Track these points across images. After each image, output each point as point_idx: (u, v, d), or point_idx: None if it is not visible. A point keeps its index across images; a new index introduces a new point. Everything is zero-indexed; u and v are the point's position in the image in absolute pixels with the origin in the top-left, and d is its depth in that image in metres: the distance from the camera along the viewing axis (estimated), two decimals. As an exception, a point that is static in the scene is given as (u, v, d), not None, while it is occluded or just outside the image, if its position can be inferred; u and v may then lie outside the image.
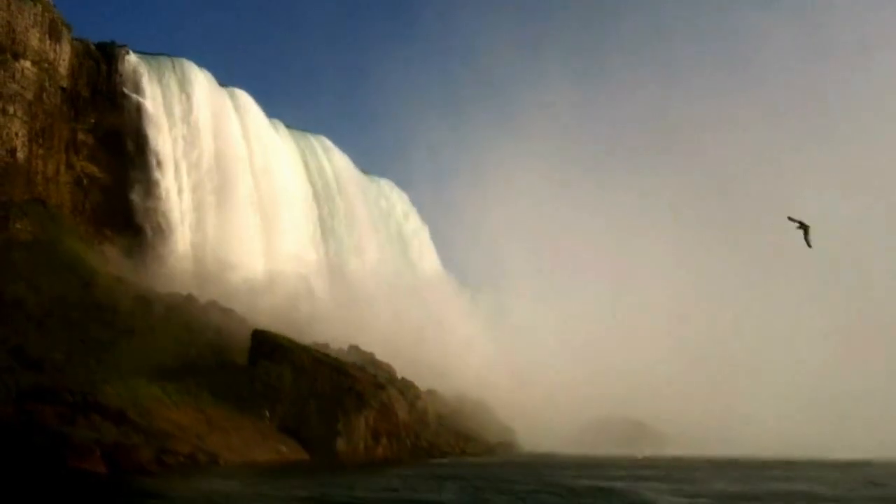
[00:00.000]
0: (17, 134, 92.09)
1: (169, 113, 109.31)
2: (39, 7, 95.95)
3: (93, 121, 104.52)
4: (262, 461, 65.32)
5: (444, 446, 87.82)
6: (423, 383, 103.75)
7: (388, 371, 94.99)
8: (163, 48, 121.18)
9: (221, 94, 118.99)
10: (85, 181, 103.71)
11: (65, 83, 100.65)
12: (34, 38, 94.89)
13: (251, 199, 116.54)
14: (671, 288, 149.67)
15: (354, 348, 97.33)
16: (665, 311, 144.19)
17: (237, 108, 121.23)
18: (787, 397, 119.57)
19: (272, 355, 74.24)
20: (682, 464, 77.80)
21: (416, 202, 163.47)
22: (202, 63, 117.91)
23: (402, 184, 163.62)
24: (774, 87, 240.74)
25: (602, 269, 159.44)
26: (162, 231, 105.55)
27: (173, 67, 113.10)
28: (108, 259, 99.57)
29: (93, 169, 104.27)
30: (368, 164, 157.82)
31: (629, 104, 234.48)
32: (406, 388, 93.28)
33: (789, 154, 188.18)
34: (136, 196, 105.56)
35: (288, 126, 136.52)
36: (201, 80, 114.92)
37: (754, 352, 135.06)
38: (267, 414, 71.56)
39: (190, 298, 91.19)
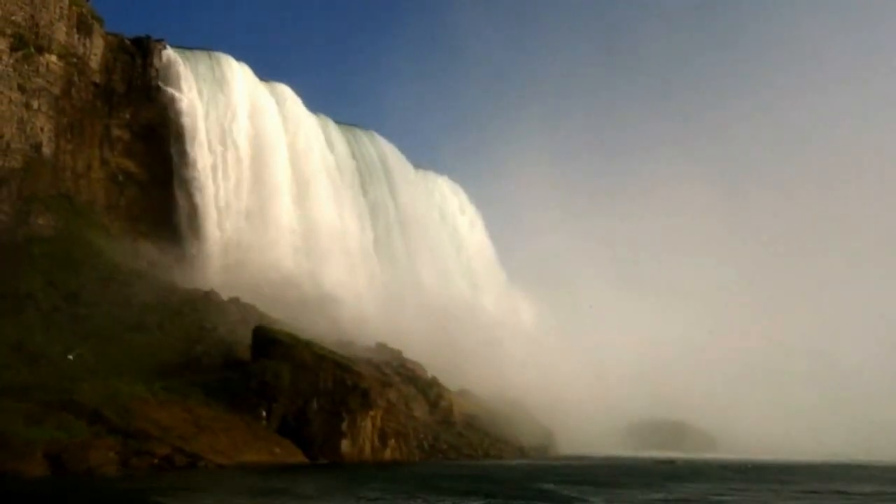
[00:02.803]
0: (42, 129, 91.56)
1: (206, 107, 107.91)
2: (66, 0, 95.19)
3: (128, 116, 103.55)
4: (252, 463, 62.59)
5: (467, 448, 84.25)
6: (460, 382, 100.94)
7: (412, 370, 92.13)
8: (208, 43, 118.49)
9: (261, 88, 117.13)
10: (120, 177, 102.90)
11: (97, 78, 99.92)
12: (60, 32, 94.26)
13: (291, 196, 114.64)
14: (722, 292, 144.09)
15: (382, 345, 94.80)
16: (716, 316, 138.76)
17: (278, 102, 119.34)
18: (842, 403, 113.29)
19: (271, 352, 71.49)
20: (700, 467, 73.24)
21: (473, 198, 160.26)
22: (244, 57, 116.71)
23: (460, 180, 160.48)
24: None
25: (653, 272, 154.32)
26: (198, 227, 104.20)
27: (210, 61, 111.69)
28: (140, 255, 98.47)
29: (128, 164, 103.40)
30: (423, 159, 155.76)
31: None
32: (429, 387, 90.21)
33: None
34: (172, 192, 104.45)
35: (337, 121, 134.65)
36: (239, 75, 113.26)
37: (807, 357, 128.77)
38: (264, 414, 68.71)
39: (211, 294, 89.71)
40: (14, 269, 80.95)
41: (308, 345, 73.39)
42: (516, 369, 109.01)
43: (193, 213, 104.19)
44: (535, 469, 69.03)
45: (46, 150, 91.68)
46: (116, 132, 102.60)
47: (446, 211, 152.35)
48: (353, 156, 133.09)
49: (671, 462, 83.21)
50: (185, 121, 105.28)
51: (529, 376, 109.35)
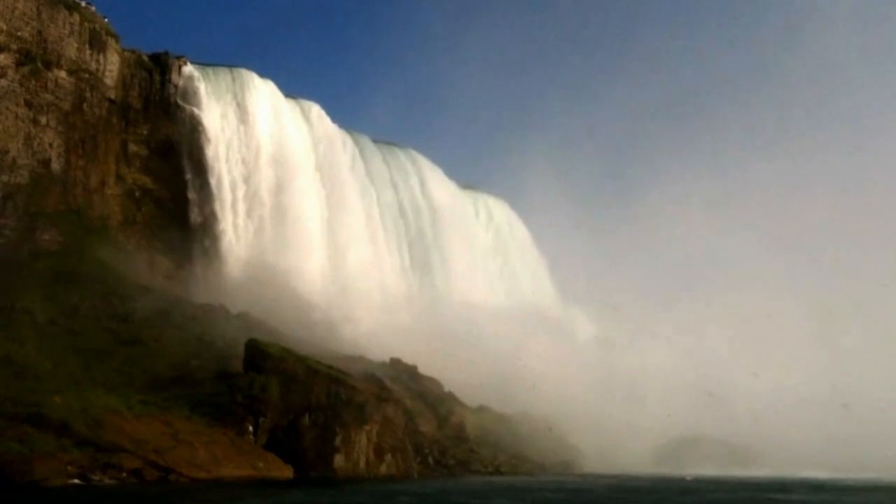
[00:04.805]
0: (51, 145, 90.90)
1: (225, 123, 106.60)
2: (77, 16, 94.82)
3: (145, 132, 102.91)
4: (231, 478, 60.28)
5: (476, 464, 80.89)
6: (490, 399, 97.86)
7: (425, 385, 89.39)
8: (241, 61, 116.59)
9: (287, 104, 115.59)
10: (137, 193, 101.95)
11: (112, 94, 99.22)
12: (70, 48, 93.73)
13: (316, 212, 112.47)
14: (762, 309, 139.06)
15: (396, 361, 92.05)
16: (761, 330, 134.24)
17: (305, 118, 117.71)
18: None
19: (262, 365, 69.17)
20: (710, 485, 69.23)
21: (525, 216, 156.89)
22: (272, 74, 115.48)
23: (508, 198, 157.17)
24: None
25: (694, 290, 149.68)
26: (216, 244, 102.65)
27: (232, 77, 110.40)
28: (156, 270, 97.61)
29: (145, 181, 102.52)
30: (471, 178, 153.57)
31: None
32: (440, 402, 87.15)
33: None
34: (190, 208, 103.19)
35: (374, 140, 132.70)
36: (262, 91, 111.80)
37: (858, 371, 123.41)
38: (250, 428, 66.31)
39: (217, 308, 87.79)
40: (16, 283, 79.85)
41: (301, 359, 71.04)
42: (551, 386, 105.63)
43: (212, 230, 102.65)
44: (525, 486, 65.69)
45: (55, 165, 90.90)
46: (133, 148, 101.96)
47: (492, 229, 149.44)
48: (390, 174, 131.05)
49: (688, 479, 79.32)
50: (204, 137, 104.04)
51: (564, 393, 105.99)
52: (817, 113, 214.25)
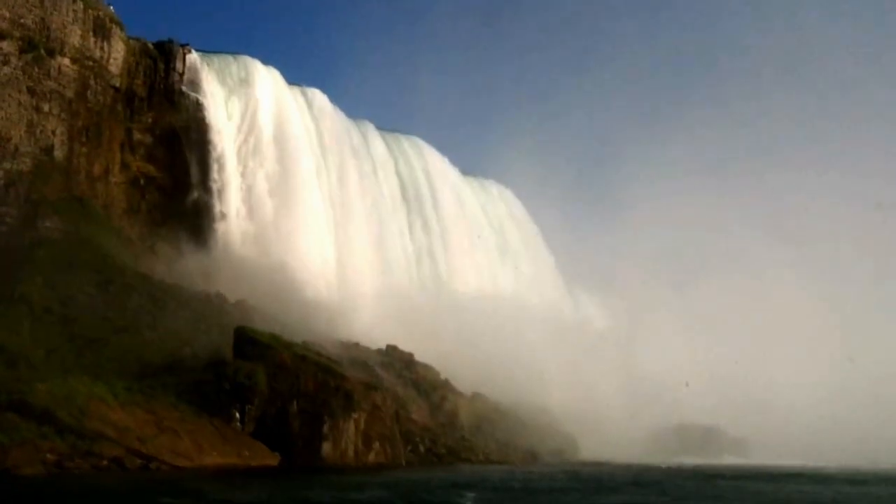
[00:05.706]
0: (53, 132, 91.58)
1: (230, 111, 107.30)
2: (81, 4, 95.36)
3: (150, 120, 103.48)
4: (215, 466, 61.06)
5: (467, 452, 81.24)
6: (489, 387, 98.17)
7: (420, 372, 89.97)
8: (247, 51, 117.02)
9: (290, 92, 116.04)
10: (142, 181, 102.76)
11: (117, 82, 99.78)
12: (74, 36, 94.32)
13: (320, 202, 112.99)
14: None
15: (392, 348, 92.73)
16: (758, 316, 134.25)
17: (309, 106, 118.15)
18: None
19: (250, 352, 69.82)
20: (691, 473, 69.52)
21: (529, 205, 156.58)
22: (276, 62, 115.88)
23: (515, 188, 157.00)
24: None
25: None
26: (219, 230, 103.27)
27: (236, 65, 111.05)
28: (159, 259, 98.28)
29: (150, 169, 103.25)
30: (476, 166, 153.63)
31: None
32: (433, 389, 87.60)
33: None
34: (194, 196, 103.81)
35: (378, 128, 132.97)
36: (266, 78, 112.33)
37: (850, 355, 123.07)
38: (237, 416, 67.03)
39: (214, 297, 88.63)
40: (15, 271, 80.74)
41: (289, 346, 71.61)
42: (553, 373, 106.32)
43: (215, 218, 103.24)
44: (497, 475, 65.98)
45: (58, 153, 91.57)
46: (138, 136, 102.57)
47: (496, 216, 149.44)
48: (395, 162, 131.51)
49: (662, 468, 79.67)
50: (208, 125, 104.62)
51: (566, 380, 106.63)
52: (817, 106, 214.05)
